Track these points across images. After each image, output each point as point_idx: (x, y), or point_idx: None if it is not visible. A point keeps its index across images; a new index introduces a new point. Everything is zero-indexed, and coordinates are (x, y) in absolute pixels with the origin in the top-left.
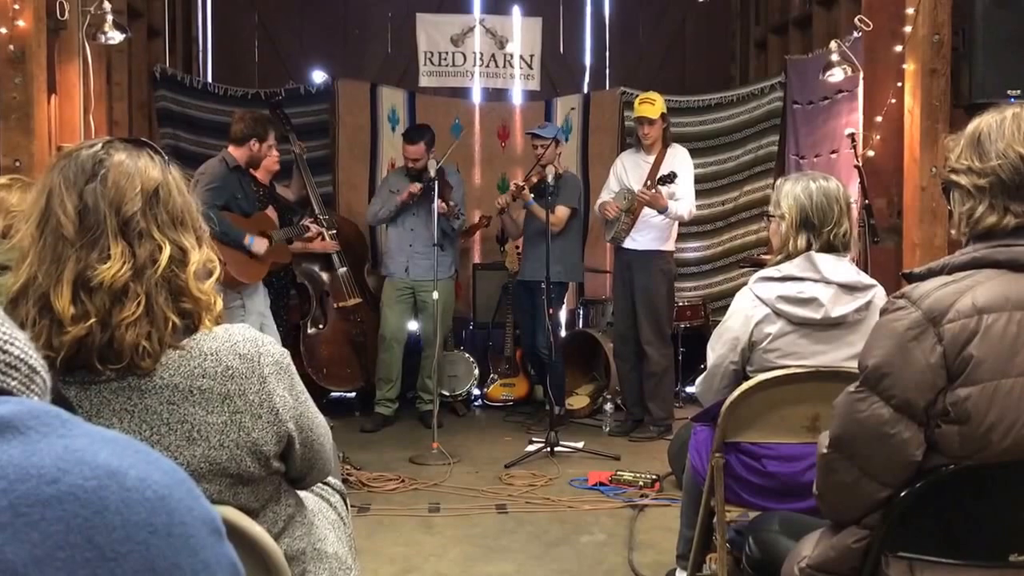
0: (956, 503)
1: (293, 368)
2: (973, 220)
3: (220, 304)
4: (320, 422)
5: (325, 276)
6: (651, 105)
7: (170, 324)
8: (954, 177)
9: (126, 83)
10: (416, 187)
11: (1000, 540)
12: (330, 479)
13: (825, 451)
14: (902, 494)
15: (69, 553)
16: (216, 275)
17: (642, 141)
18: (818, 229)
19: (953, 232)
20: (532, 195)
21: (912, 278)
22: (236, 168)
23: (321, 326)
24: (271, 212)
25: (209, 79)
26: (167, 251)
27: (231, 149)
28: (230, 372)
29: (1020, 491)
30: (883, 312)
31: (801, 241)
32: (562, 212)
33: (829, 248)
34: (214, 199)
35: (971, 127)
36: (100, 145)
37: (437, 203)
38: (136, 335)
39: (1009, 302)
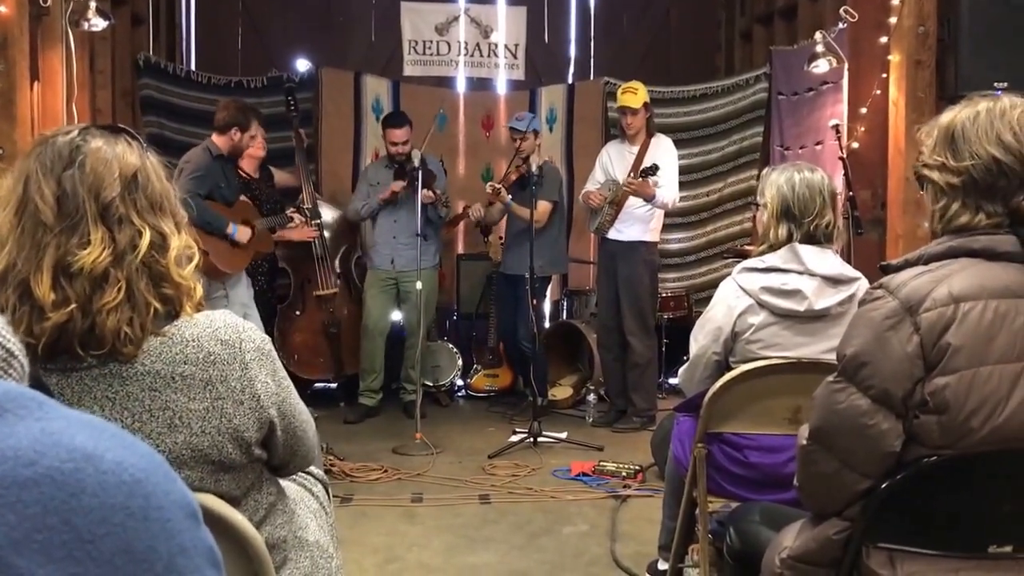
0: (936, 494)
1: (275, 354)
2: (946, 218)
3: (200, 290)
4: (302, 409)
5: (308, 263)
6: (633, 95)
7: (151, 309)
8: (927, 172)
9: (109, 71)
10: (399, 185)
11: (980, 531)
12: (312, 468)
13: (805, 443)
14: (883, 485)
15: (46, 535)
16: (196, 261)
17: (625, 131)
18: (799, 220)
19: (926, 225)
20: (510, 196)
21: (889, 269)
22: (220, 157)
23: (298, 312)
24: (247, 200)
25: (193, 67)
26: (147, 236)
27: (214, 137)
28: (212, 358)
29: (1000, 482)
30: (861, 303)
31: (782, 231)
32: (544, 207)
33: (811, 239)
34: (197, 188)
35: (944, 120)
36: (77, 132)
37: (422, 192)
38: (117, 321)
39: (985, 290)
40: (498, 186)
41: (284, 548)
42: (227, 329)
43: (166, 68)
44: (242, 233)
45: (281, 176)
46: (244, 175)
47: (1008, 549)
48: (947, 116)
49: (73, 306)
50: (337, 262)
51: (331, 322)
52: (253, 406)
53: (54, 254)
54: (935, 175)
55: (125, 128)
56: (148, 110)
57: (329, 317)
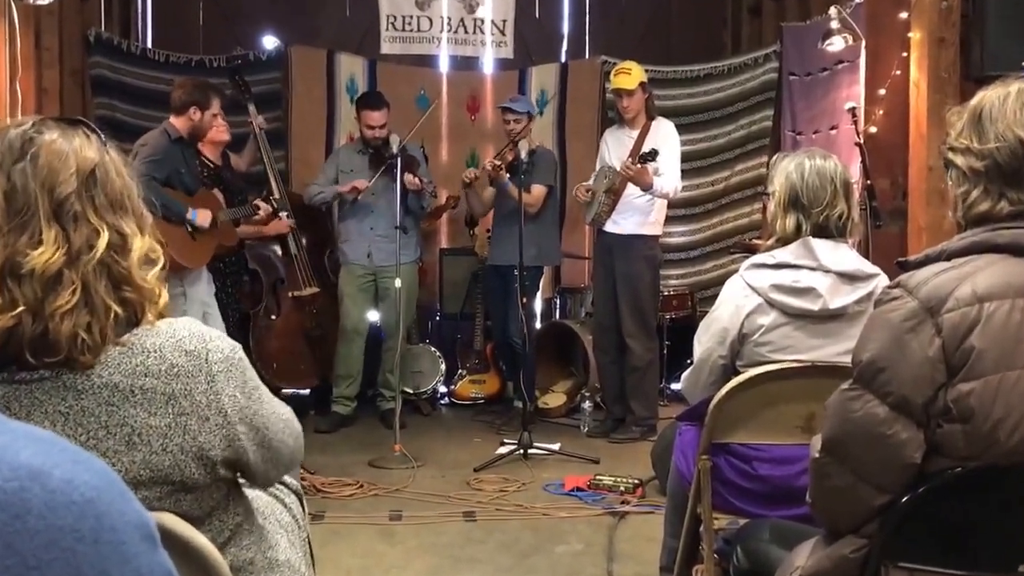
0: (961, 509)
1: (246, 362)
2: (967, 205)
3: (165, 296)
4: (276, 417)
5: (280, 262)
6: (627, 76)
7: (111, 314)
8: (951, 156)
9: (57, 48)
10: (363, 183)
11: (1008, 549)
12: (287, 479)
13: (818, 455)
14: (903, 500)
15: None
16: (160, 265)
17: (622, 115)
18: (808, 210)
19: (950, 215)
20: (508, 176)
21: (908, 266)
22: (179, 140)
23: (273, 317)
24: (217, 193)
25: (149, 44)
26: (105, 236)
27: (172, 119)
28: (175, 370)
29: None
30: (878, 303)
31: (790, 222)
32: (538, 191)
33: (822, 232)
34: (154, 172)
35: (975, 101)
36: (30, 123)
37: (406, 179)
38: (73, 325)
39: (1011, 288)
40: (498, 163)
41: (251, 570)
42: (192, 339)
43: (119, 45)
44: (202, 217)
45: (235, 160)
46: (209, 162)
47: None
48: (977, 97)
49: (21, 309)
50: (311, 257)
51: (314, 324)
52: (220, 422)
53: (1, 254)
54: (959, 159)
55: (83, 120)
56: (99, 90)
57: (312, 319)
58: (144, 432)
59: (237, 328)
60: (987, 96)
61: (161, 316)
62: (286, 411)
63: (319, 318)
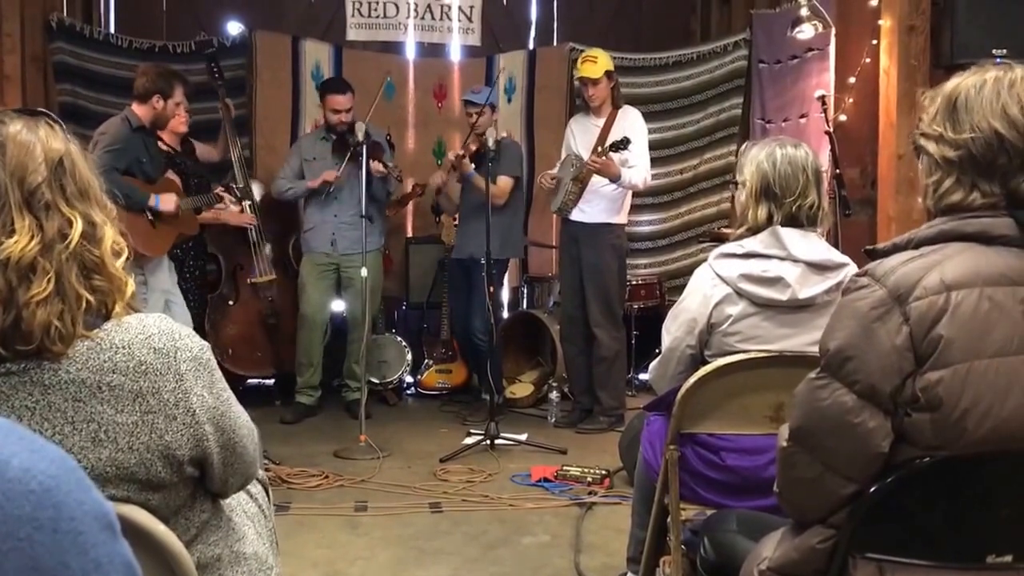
0: (929, 499)
1: (214, 363)
2: (938, 194)
3: (132, 286)
4: (243, 422)
5: (240, 248)
6: (593, 64)
7: (83, 302)
8: (923, 143)
9: (18, 34)
10: (332, 175)
11: (977, 539)
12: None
13: (785, 444)
14: (871, 490)
15: None
16: (125, 256)
17: (589, 104)
18: (780, 200)
19: (920, 201)
20: (473, 166)
21: (876, 254)
22: (140, 128)
23: (231, 303)
24: (172, 175)
25: (111, 30)
26: (79, 225)
27: (134, 107)
28: (143, 368)
29: (998, 485)
30: (845, 291)
31: (761, 212)
32: (504, 183)
33: (793, 221)
34: (114, 162)
35: (949, 86)
36: None
37: (372, 165)
38: (47, 314)
39: (979, 277)
40: (461, 152)
41: (219, 567)
42: (161, 336)
43: (82, 31)
44: (166, 201)
45: (203, 149)
46: (167, 148)
47: (1008, 559)
48: (952, 83)
49: None
50: (269, 247)
51: (270, 312)
52: (187, 421)
53: None
54: (931, 146)
55: (46, 112)
56: (62, 77)
57: (268, 306)
58: (111, 429)
59: (199, 315)
60: (963, 83)
61: (130, 307)
62: (248, 419)
63: (275, 305)
